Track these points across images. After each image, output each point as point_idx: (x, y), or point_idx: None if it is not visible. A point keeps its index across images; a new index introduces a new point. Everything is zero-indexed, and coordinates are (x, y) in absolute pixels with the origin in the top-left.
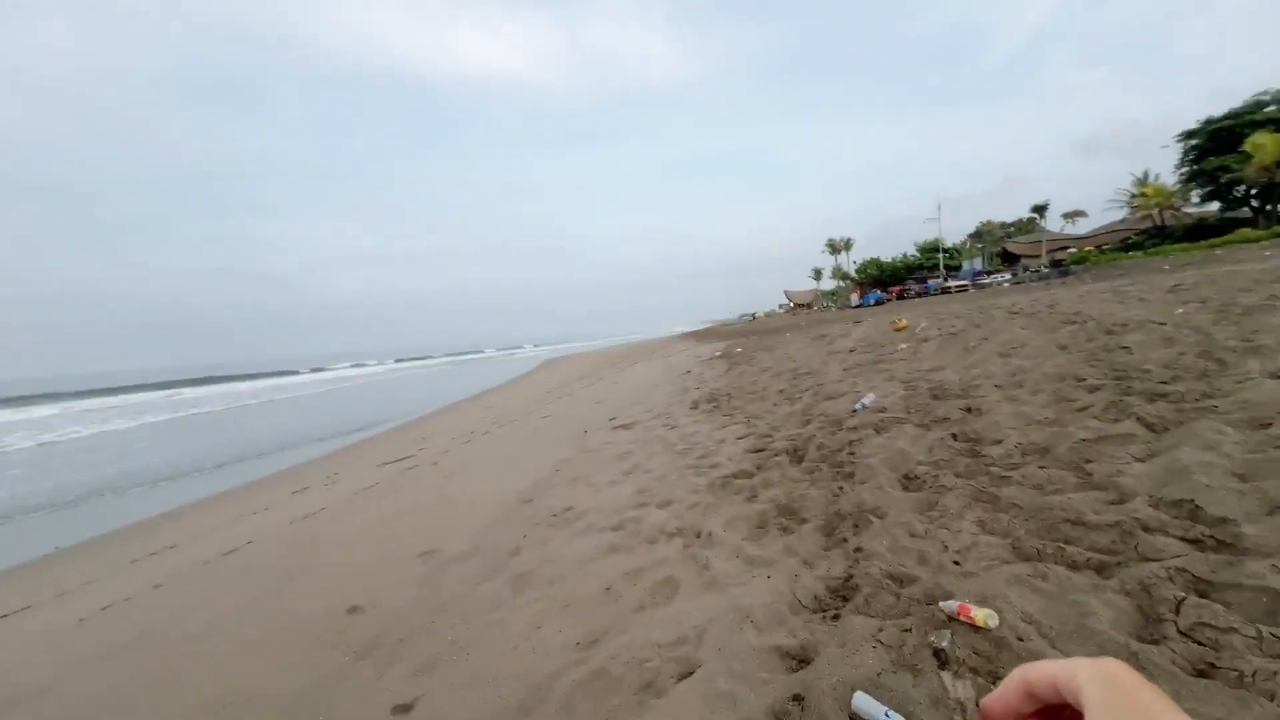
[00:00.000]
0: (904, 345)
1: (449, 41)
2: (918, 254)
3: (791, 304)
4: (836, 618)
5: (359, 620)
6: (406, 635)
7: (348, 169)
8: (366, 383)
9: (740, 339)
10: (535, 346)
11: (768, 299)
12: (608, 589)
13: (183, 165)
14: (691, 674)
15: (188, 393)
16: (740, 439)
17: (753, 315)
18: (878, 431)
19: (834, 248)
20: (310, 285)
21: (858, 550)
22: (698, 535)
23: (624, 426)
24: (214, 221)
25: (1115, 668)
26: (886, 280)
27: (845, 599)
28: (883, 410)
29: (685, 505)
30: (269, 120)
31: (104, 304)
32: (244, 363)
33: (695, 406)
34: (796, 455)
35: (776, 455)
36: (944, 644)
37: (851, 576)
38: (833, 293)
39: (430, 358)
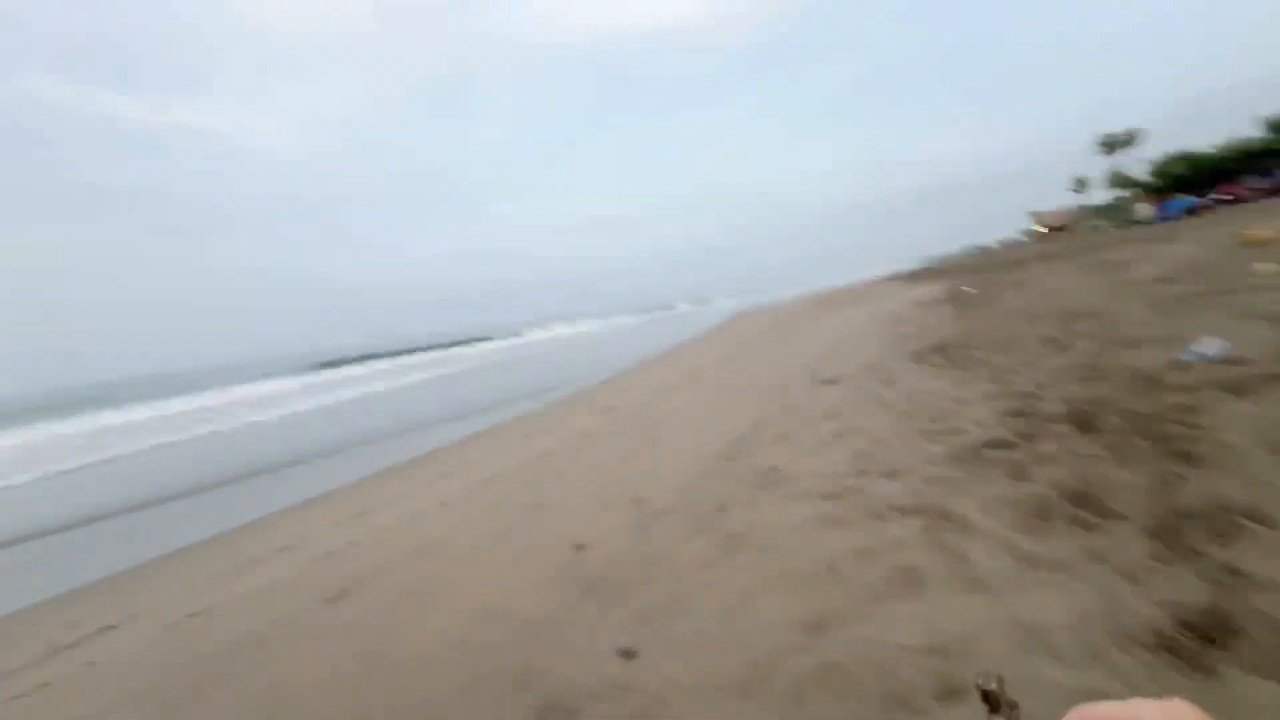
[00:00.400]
0: (1268, 266)
1: (626, 4)
2: (1267, 134)
3: (1043, 228)
4: (1206, 670)
5: (584, 559)
6: (625, 581)
7: (553, 145)
8: (575, 340)
9: (968, 276)
10: (729, 299)
11: (1003, 226)
12: (830, 567)
13: (423, 167)
14: (956, 695)
15: (451, 352)
16: (990, 399)
17: (985, 248)
18: (1235, 394)
19: (1110, 145)
20: (530, 255)
21: (1230, 571)
22: (944, 517)
23: (829, 382)
24: (448, 210)
25: (1184, 709)
26: (1203, 180)
27: (1217, 643)
28: (1239, 362)
29: (920, 478)
30: (487, 117)
31: (371, 290)
32: (477, 326)
33: (919, 359)
34: (1084, 422)
35: (1050, 421)
36: None
37: (1224, 610)
38: (1105, 209)
39: (623, 315)
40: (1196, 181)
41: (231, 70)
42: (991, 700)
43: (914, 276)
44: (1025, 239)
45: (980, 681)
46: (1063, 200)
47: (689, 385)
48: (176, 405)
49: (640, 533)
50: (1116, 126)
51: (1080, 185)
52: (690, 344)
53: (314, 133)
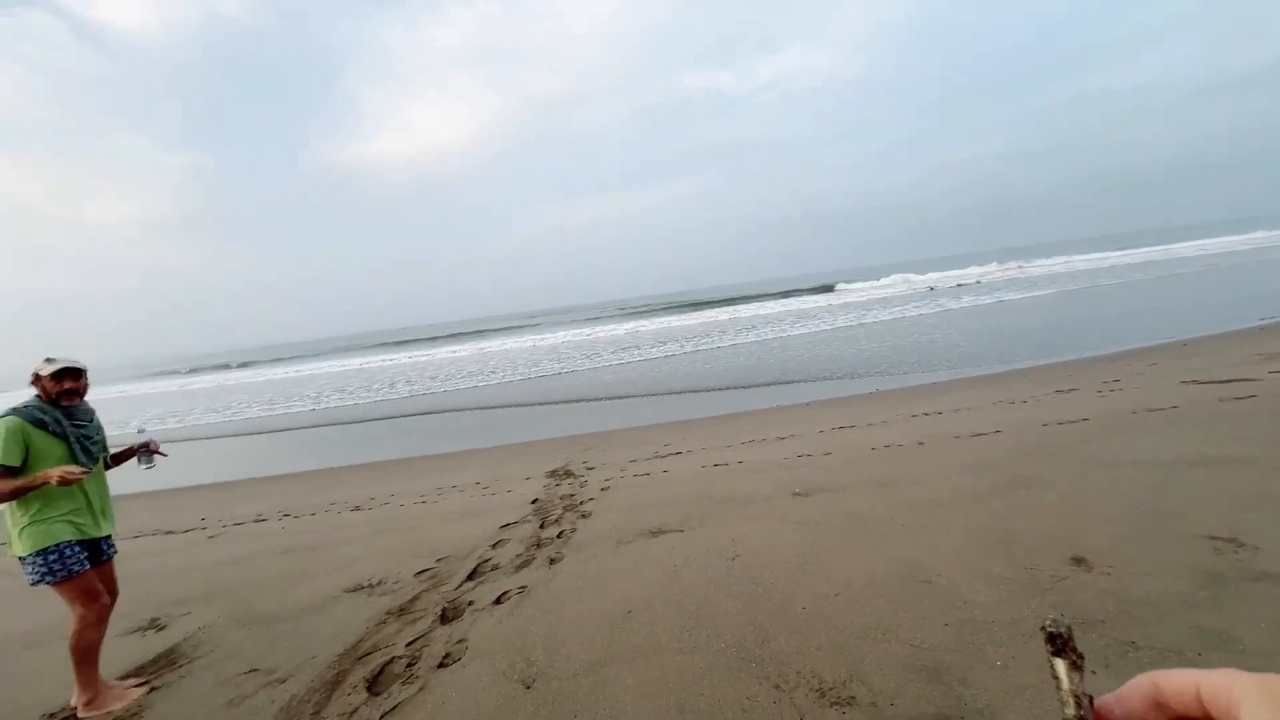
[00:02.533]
0: None
1: None
2: None
3: None
4: None
5: (1081, 579)
6: (1139, 642)
7: None
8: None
9: None
10: None
11: None
12: None
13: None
14: None
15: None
16: None
17: None
18: None
19: None
20: (1099, 148)
21: None
22: None
23: None
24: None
25: None
26: None
27: None
28: None
29: None
30: None
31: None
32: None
33: None
34: None
35: None
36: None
37: None
38: None
39: None
40: None
41: (794, 16)
42: (1057, 642)
43: None
44: None
45: (1049, 624)
46: None
47: None
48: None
49: (1212, 584)
50: None
51: None
52: None
53: (862, 55)
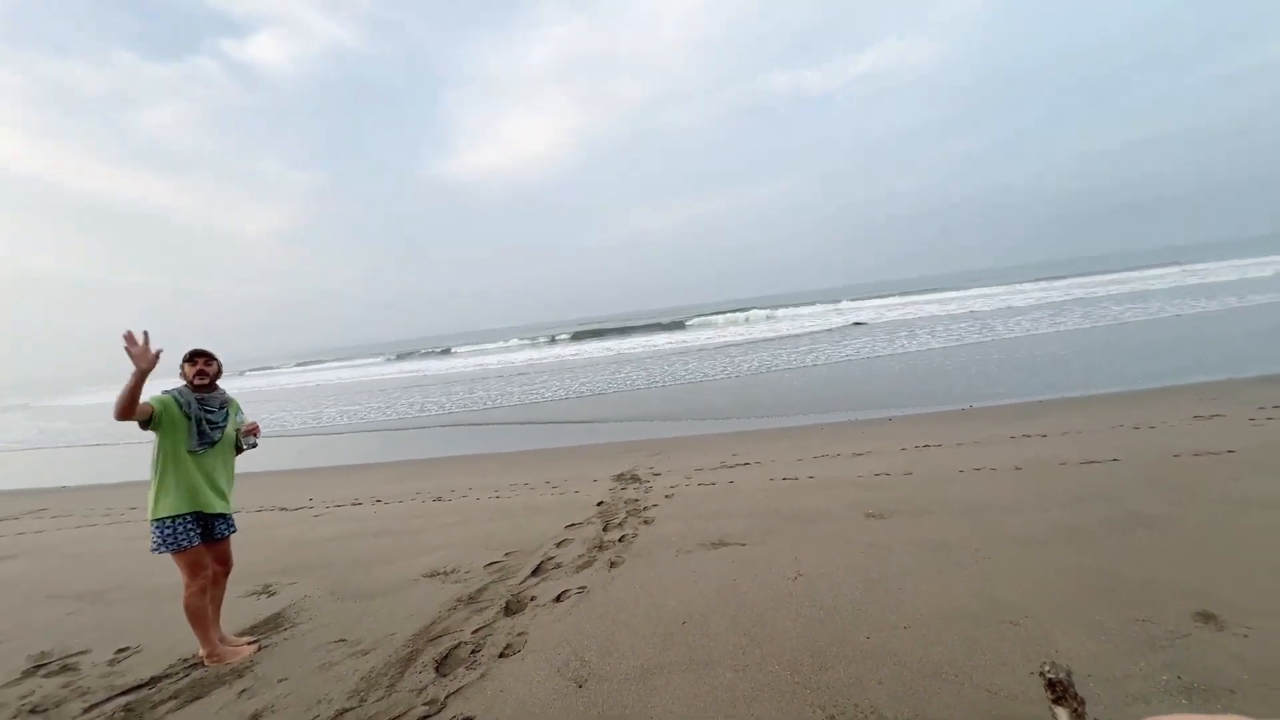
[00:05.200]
0: None
1: None
2: None
3: None
4: None
5: (1206, 637)
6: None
7: None
8: None
9: None
10: None
11: None
12: None
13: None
14: None
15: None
16: None
17: None
18: None
19: None
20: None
21: None
22: None
23: None
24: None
25: None
26: None
27: None
28: None
29: None
30: None
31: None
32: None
33: None
34: None
35: None
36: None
37: None
38: None
39: None
40: None
41: (883, 14)
42: (1057, 689)
43: None
44: None
45: (1047, 670)
46: None
47: None
48: None
49: None
50: None
51: None
52: None
53: (966, 43)
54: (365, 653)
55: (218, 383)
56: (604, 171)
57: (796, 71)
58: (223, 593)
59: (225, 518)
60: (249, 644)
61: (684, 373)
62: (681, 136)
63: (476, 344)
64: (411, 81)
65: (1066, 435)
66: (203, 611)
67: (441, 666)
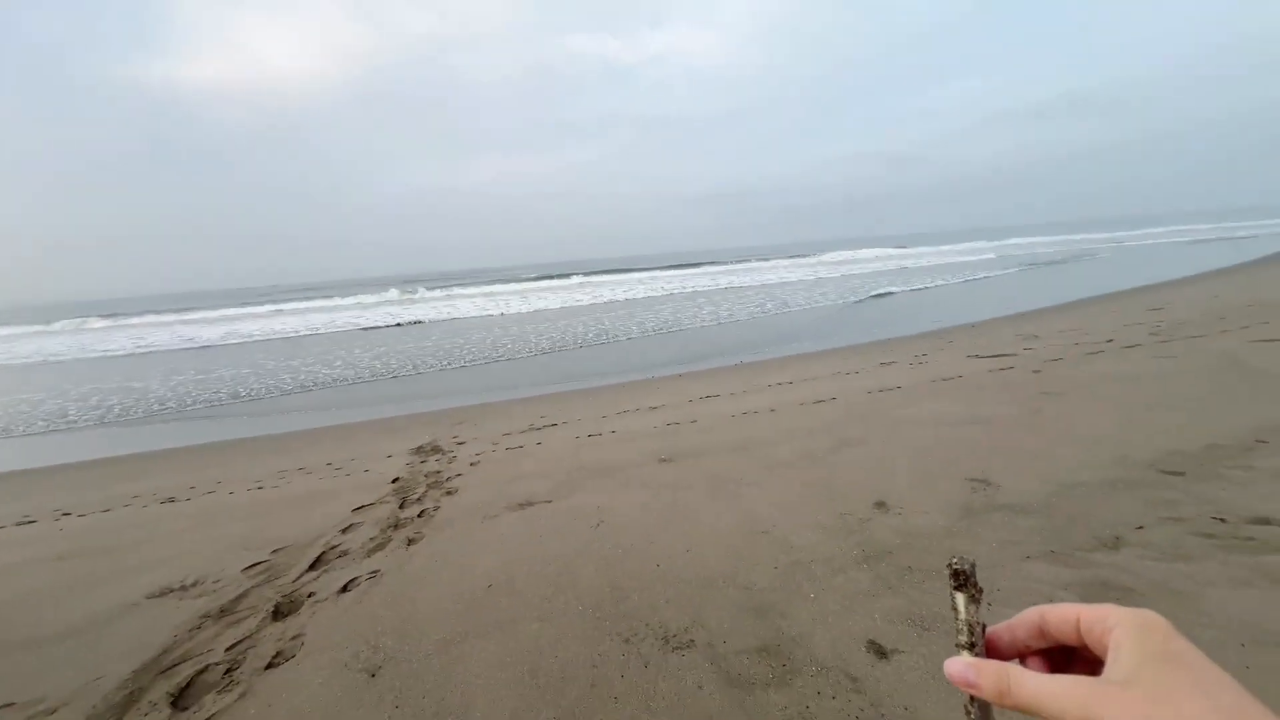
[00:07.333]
0: None
1: None
2: None
3: None
4: None
5: (880, 520)
6: (914, 566)
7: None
8: (1017, 254)
9: None
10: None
11: None
12: None
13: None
14: None
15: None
16: None
17: None
18: None
19: None
20: (937, 158)
21: None
22: None
23: None
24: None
25: (1155, 618)
26: None
27: None
28: None
29: None
30: None
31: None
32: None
33: None
34: None
35: None
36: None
37: None
38: None
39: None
40: None
41: None
42: (960, 577)
43: None
44: None
45: (955, 562)
46: None
47: (1154, 344)
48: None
49: (967, 518)
50: None
51: None
52: (1196, 281)
53: (751, 45)
54: (51, 711)
55: None
56: (387, 111)
57: (599, 37)
58: None
59: None
60: None
61: (490, 342)
62: (480, 89)
63: (217, 308)
64: None
65: (805, 382)
66: None
67: (180, 699)
